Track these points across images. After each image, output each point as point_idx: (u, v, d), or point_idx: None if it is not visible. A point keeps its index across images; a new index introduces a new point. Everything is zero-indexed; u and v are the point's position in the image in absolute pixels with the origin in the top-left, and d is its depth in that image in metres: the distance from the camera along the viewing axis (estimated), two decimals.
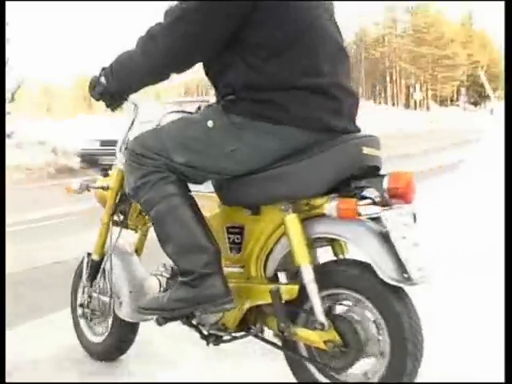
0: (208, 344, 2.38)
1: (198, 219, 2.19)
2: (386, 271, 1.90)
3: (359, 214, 1.94)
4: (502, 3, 3.86)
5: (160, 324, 2.32)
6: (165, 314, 2.26)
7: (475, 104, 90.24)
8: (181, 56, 2.13)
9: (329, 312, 2.09)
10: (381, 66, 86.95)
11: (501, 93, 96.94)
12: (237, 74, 2.08)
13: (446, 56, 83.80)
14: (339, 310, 2.13)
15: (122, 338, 2.80)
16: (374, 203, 1.95)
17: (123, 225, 2.76)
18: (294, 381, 2.28)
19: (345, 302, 2.11)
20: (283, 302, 2.11)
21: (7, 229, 3.87)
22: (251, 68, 2.05)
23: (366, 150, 2.03)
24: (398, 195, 1.95)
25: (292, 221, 2.07)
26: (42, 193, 11.75)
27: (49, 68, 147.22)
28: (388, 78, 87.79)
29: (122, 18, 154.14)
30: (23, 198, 10.44)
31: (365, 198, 1.97)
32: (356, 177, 2.02)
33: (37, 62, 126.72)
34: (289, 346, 2.22)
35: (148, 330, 2.79)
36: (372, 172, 2.06)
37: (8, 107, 18.09)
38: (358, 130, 2.16)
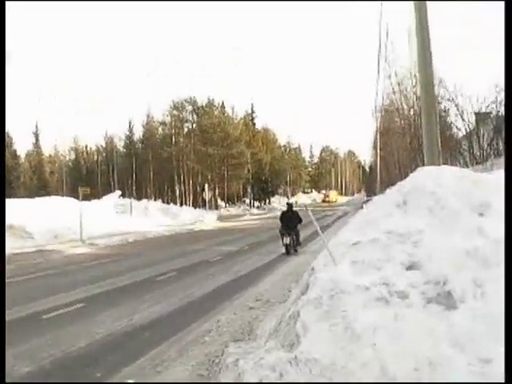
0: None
1: None
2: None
3: None
4: None
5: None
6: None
7: (260, 200, 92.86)
8: None
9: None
10: (169, 165, 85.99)
11: (286, 188, 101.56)
12: None
13: (231, 155, 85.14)
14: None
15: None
16: None
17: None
18: None
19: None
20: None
21: None
22: None
23: None
24: None
25: None
26: None
27: None
28: (176, 178, 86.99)
29: None
30: None
31: None
32: None
33: None
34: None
35: None
36: None
37: None
38: None
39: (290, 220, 20.41)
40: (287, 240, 19.85)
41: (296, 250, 20.22)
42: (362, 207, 26.39)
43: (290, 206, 21.85)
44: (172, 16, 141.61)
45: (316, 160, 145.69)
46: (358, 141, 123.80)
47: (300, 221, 20.40)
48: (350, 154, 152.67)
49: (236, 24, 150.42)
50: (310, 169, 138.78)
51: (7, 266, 18.25)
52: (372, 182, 69.77)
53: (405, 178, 8.29)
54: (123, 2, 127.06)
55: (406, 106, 41.23)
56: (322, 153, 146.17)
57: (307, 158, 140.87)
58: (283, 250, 20.12)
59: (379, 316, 5.47)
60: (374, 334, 5.28)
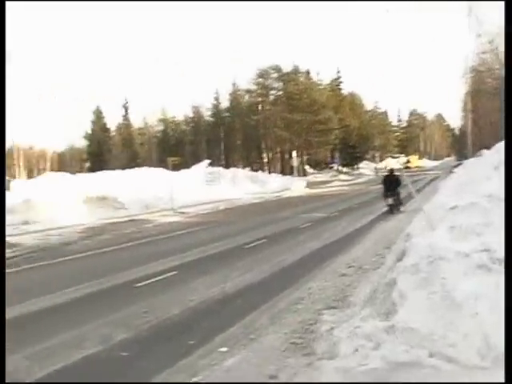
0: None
1: None
2: None
3: None
4: None
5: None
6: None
7: (348, 165, 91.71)
8: None
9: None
10: (256, 133, 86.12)
11: (374, 153, 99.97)
12: None
13: (318, 121, 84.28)
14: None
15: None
16: None
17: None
18: None
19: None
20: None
21: None
22: None
23: None
24: None
25: None
26: None
27: None
28: (263, 145, 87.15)
29: None
30: None
31: None
32: None
33: None
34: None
35: None
36: None
37: None
38: None
39: (391, 183, 22.54)
40: (390, 201, 22.34)
41: (399, 209, 22.25)
42: (452, 172, 25.63)
43: (391, 170, 24.62)
44: (172, 16, 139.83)
45: (404, 124, 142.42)
46: (447, 104, 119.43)
47: (399, 184, 22.19)
48: (439, 117, 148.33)
49: (238, 23, 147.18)
50: (397, 133, 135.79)
51: (102, 236, 18.84)
52: (462, 145, 67.61)
53: (499, 140, 7.84)
54: (123, 2, 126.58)
55: (497, 65, 39.46)
56: (410, 116, 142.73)
57: (395, 123, 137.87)
58: (385, 209, 22.33)
59: (480, 284, 5.22)
60: (475, 303, 5.05)
